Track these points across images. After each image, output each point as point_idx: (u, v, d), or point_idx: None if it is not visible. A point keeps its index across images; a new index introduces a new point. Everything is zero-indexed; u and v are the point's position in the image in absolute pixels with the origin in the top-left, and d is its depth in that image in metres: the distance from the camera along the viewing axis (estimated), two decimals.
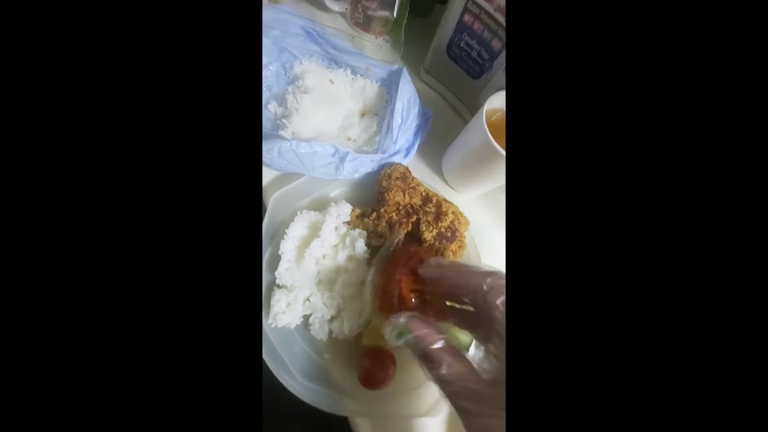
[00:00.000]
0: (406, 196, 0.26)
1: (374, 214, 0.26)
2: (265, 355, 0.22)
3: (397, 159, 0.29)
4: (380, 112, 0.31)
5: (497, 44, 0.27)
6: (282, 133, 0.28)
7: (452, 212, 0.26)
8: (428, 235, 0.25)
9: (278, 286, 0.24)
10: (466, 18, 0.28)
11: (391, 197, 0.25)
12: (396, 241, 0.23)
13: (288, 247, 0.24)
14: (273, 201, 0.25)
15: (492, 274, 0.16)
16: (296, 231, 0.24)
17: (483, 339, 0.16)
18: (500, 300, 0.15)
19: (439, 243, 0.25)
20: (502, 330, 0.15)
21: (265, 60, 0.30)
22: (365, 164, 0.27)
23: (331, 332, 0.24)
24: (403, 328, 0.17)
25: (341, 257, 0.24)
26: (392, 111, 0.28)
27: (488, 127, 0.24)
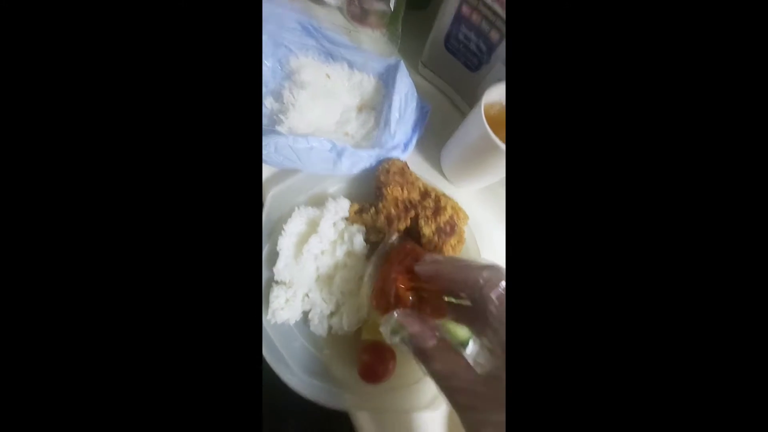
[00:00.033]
0: (405, 191, 0.26)
1: (372, 210, 0.25)
2: (264, 352, 0.22)
3: (395, 154, 0.28)
4: (378, 106, 0.31)
5: (495, 36, 0.27)
6: (278, 128, 0.27)
7: (451, 207, 0.26)
8: (427, 230, 0.25)
9: (277, 283, 0.24)
10: (464, 9, 0.28)
11: (390, 192, 0.25)
12: (392, 239, 0.23)
13: (286, 243, 0.24)
14: (270, 197, 0.25)
15: (488, 267, 0.16)
16: (294, 227, 0.24)
17: (479, 333, 0.16)
18: (495, 293, 0.15)
19: (438, 238, 0.25)
20: (497, 324, 0.15)
21: None
22: (363, 159, 0.27)
23: (330, 328, 0.24)
24: (396, 326, 0.17)
25: (340, 253, 0.24)
26: (390, 105, 0.28)
27: (487, 120, 0.24)
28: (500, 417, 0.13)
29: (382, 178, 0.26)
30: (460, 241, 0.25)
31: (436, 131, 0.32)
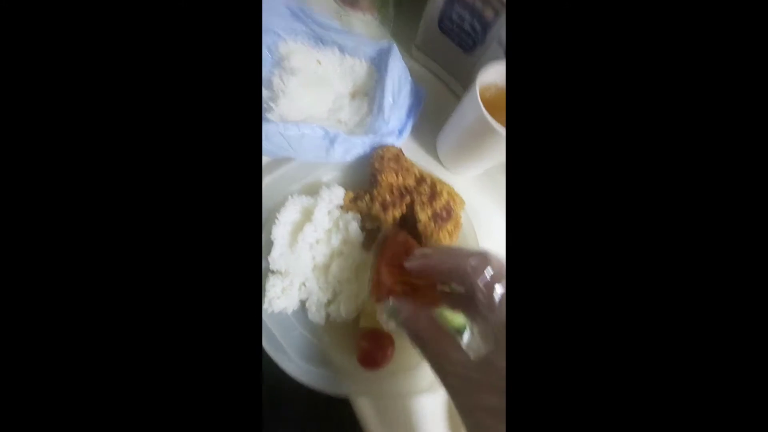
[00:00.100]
0: (400, 177, 0.25)
1: (367, 197, 0.25)
2: (263, 341, 0.22)
3: (389, 140, 0.28)
4: (371, 92, 0.30)
5: (490, 14, 0.26)
6: (269, 116, 0.27)
7: (447, 192, 0.25)
8: (423, 216, 0.24)
9: (272, 272, 0.23)
10: None
11: (384, 178, 0.25)
12: (387, 230, 0.23)
13: (280, 232, 0.23)
14: (263, 187, 0.25)
15: (474, 255, 0.16)
16: (288, 216, 0.24)
17: (472, 320, 0.16)
18: (482, 281, 0.15)
19: (435, 223, 0.24)
20: (486, 311, 0.15)
21: None
22: (356, 146, 0.26)
23: (328, 316, 0.24)
24: (392, 310, 0.18)
25: (335, 241, 0.24)
26: (383, 90, 0.27)
27: (483, 103, 0.24)
28: (492, 401, 0.13)
29: (377, 164, 0.26)
30: (457, 226, 0.25)
31: (431, 117, 0.31)
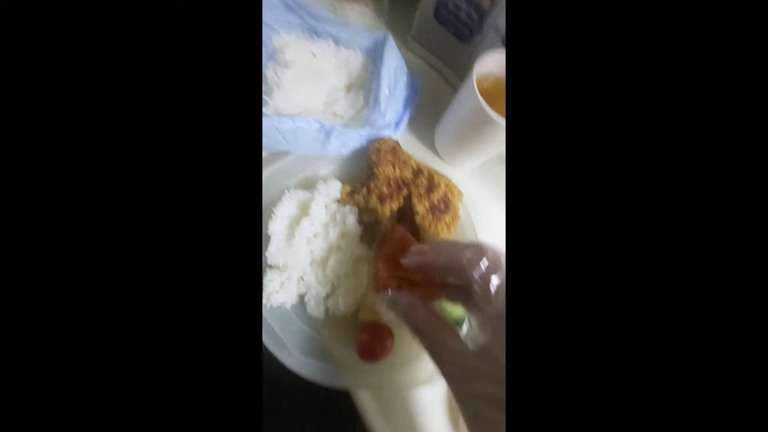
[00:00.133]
0: (397, 169, 0.25)
1: (364, 190, 0.25)
2: (262, 335, 0.22)
3: (386, 133, 0.27)
4: (366, 84, 0.30)
5: (486, 2, 0.26)
6: (263, 110, 0.26)
7: (445, 184, 0.25)
8: (421, 208, 0.24)
9: (270, 267, 0.23)
10: None
11: (381, 171, 0.25)
12: (385, 226, 0.23)
13: (277, 227, 0.23)
14: None
15: (469, 247, 0.16)
16: (285, 211, 0.24)
17: (470, 311, 0.16)
18: (477, 273, 0.15)
19: (432, 215, 0.24)
20: (483, 302, 0.15)
21: None
22: (353, 139, 0.26)
23: (327, 310, 0.24)
24: (390, 301, 0.18)
25: (333, 235, 0.24)
26: (378, 82, 0.27)
27: (480, 93, 0.23)
28: (489, 389, 0.13)
29: (373, 157, 0.25)
30: (455, 218, 0.25)
31: (428, 109, 0.31)
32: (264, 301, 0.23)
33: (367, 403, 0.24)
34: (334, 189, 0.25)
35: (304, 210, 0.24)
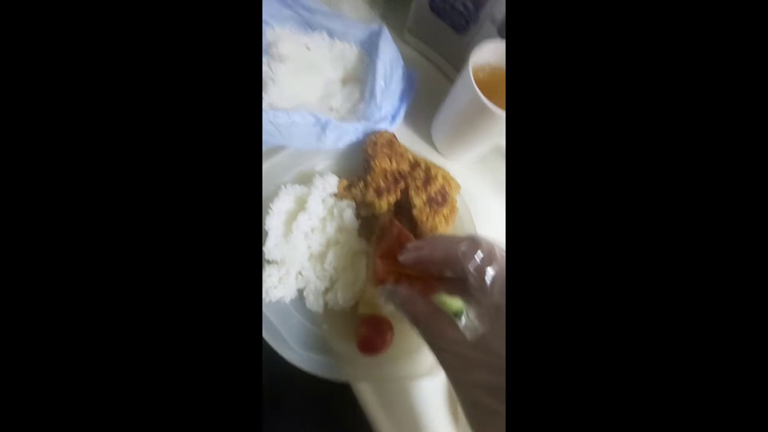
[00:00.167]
0: (393, 162, 0.25)
1: (361, 184, 0.25)
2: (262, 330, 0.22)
3: (382, 126, 0.27)
4: (362, 77, 0.29)
5: None
6: None
7: (442, 176, 0.25)
8: (418, 201, 0.24)
9: (268, 262, 0.23)
10: None
11: (378, 164, 0.24)
12: (382, 221, 0.23)
13: (274, 222, 0.23)
14: None
15: (464, 240, 0.16)
16: (282, 206, 0.24)
17: (468, 304, 0.16)
18: (472, 265, 0.15)
19: (430, 208, 0.24)
20: (479, 294, 0.15)
21: None
22: (349, 132, 0.26)
23: (326, 304, 0.24)
24: (390, 293, 0.18)
25: (330, 229, 0.24)
26: (374, 74, 0.27)
27: (477, 84, 0.23)
28: (486, 378, 0.14)
29: (370, 150, 0.25)
30: (453, 210, 0.25)
31: (425, 103, 0.31)
32: (263, 296, 0.23)
33: (367, 395, 0.24)
34: (330, 183, 0.25)
35: (301, 205, 0.24)
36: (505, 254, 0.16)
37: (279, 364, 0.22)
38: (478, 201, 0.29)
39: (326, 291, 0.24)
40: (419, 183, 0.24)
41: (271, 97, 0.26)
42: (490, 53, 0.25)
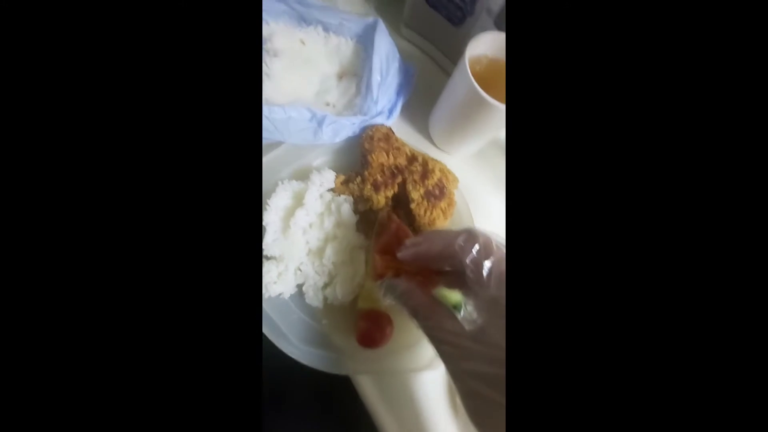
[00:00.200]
0: (390, 156, 0.25)
1: (359, 179, 0.25)
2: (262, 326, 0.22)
3: (379, 120, 0.27)
4: (358, 72, 0.29)
5: None
6: None
7: (439, 170, 0.25)
8: (416, 195, 0.24)
9: (267, 258, 0.23)
10: None
11: (375, 159, 0.24)
12: (381, 216, 0.23)
13: (272, 218, 0.23)
14: None
15: (461, 234, 0.16)
16: (279, 202, 0.24)
17: (466, 296, 0.16)
18: (469, 258, 0.15)
19: (428, 201, 0.24)
20: (477, 287, 0.15)
21: None
22: (345, 127, 0.26)
23: (325, 299, 0.24)
24: (389, 287, 0.18)
25: (328, 225, 0.24)
26: (370, 69, 0.26)
27: (473, 76, 0.23)
28: (483, 369, 0.14)
29: (367, 145, 0.25)
30: (451, 204, 0.25)
31: (422, 97, 0.31)
32: (262, 291, 0.23)
33: (367, 389, 0.24)
34: (327, 179, 0.25)
35: (298, 200, 0.24)
36: (502, 247, 0.16)
37: (279, 358, 0.22)
38: (475, 194, 0.29)
39: (325, 286, 0.24)
40: (417, 177, 0.24)
41: (267, 92, 0.26)
42: (486, 45, 0.25)
